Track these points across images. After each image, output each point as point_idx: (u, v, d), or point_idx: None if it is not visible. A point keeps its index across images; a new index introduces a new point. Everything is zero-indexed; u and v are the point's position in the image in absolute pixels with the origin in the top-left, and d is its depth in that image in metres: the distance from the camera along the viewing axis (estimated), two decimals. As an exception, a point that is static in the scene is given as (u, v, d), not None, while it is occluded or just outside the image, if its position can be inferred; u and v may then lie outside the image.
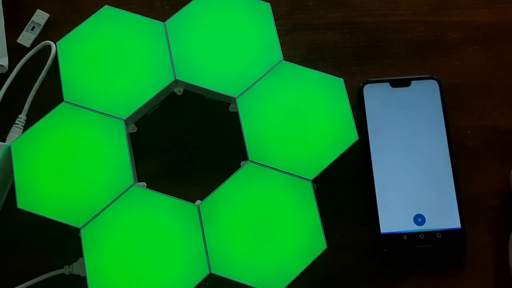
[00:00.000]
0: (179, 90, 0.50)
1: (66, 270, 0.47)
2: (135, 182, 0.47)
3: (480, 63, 0.53)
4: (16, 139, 0.47)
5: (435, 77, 0.51)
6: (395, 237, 0.48)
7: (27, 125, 0.49)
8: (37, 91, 0.50)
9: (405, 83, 0.51)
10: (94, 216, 0.45)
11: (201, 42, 0.49)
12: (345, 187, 0.50)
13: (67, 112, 0.47)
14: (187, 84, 0.49)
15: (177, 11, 0.50)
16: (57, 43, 0.49)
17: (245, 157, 0.47)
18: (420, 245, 0.48)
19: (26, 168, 0.46)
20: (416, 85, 0.51)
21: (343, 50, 0.53)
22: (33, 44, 0.52)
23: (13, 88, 0.51)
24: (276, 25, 0.50)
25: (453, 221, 0.48)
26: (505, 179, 0.50)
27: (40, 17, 0.53)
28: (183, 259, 0.45)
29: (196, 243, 0.45)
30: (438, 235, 0.48)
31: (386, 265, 0.49)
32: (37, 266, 0.48)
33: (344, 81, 0.49)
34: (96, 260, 0.45)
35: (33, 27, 0.53)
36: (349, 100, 0.48)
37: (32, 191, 0.46)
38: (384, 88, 0.51)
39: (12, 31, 0.53)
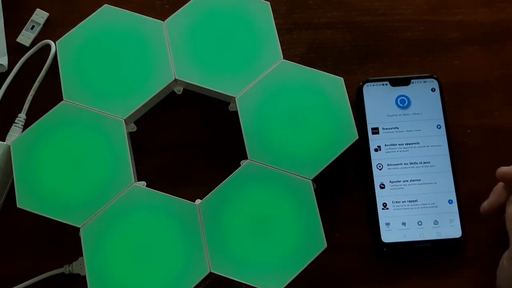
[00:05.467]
0: (178, 89, 0.50)
1: (66, 269, 0.47)
2: (135, 182, 0.47)
3: (480, 63, 0.53)
4: (16, 138, 0.47)
5: (435, 76, 0.51)
6: (395, 237, 0.48)
7: (27, 124, 0.49)
8: (36, 90, 0.50)
9: (405, 82, 0.51)
10: (94, 215, 0.45)
11: (201, 41, 0.49)
12: (345, 186, 0.50)
13: (66, 111, 0.47)
14: (187, 84, 0.49)
15: (177, 10, 0.50)
16: (56, 42, 0.49)
17: (245, 156, 0.47)
18: (420, 245, 0.48)
19: (25, 168, 0.46)
20: (416, 84, 0.51)
21: (343, 49, 0.53)
22: (33, 43, 0.52)
23: (12, 87, 0.51)
24: (276, 24, 0.50)
25: (453, 221, 0.48)
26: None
27: (40, 16, 0.53)
28: (183, 258, 0.45)
29: (196, 242, 0.45)
30: (438, 234, 0.48)
31: (386, 265, 0.49)
32: (37, 266, 0.48)
33: (344, 80, 0.49)
34: (96, 259, 0.45)
35: (33, 26, 0.53)
36: (349, 99, 0.48)
37: (32, 191, 0.46)
38: (384, 87, 0.51)
39: (12, 30, 0.53)
